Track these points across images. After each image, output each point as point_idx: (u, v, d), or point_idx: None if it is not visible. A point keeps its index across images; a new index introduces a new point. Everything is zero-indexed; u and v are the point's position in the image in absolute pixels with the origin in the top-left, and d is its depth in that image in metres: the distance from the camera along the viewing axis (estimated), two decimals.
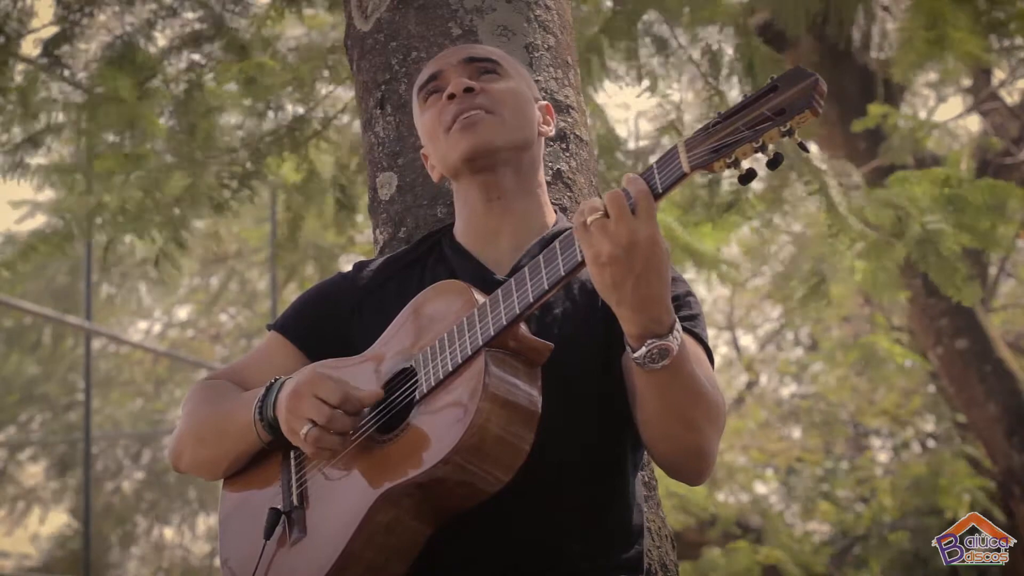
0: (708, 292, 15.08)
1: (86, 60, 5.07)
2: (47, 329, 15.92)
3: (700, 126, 1.87)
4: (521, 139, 2.30)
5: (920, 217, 4.65)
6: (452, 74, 2.32)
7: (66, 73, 4.91)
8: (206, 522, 17.99)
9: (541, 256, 2.00)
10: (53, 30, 4.96)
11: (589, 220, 1.88)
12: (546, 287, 1.98)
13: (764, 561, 10.43)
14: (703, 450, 2.08)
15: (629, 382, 2.12)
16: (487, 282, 2.18)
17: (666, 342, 1.92)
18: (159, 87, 5.01)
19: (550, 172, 2.78)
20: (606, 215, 1.87)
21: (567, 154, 2.87)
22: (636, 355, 1.94)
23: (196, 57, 5.10)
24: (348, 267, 2.49)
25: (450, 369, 2.04)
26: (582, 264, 1.94)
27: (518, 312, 1.99)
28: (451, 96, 2.29)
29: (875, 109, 7.03)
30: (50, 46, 4.94)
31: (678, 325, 1.95)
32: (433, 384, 2.06)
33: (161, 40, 5.10)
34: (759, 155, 1.82)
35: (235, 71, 4.97)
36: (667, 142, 5.37)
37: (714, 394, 2.06)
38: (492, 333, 2.01)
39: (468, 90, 2.28)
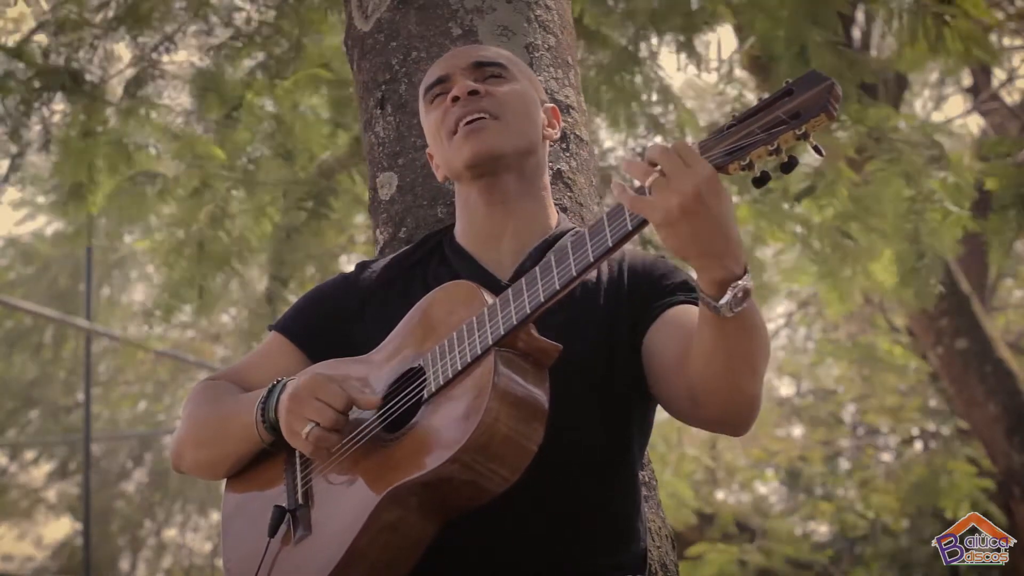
0: None
1: (171, 97, 5.15)
2: (48, 330, 15.92)
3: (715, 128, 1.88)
4: (525, 144, 2.30)
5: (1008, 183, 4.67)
6: (459, 77, 2.32)
7: (152, 115, 4.98)
8: (208, 521, 18.00)
9: (552, 256, 2.00)
10: (132, 71, 5.04)
11: (648, 183, 1.85)
12: (557, 287, 1.97)
13: (746, 559, 10.43)
14: (757, 397, 2.07)
15: (664, 347, 2.12)
16: (489, 285, 2.17)
17: (746, 283, 1.90)
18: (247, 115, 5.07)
19: (550, 172, 2.78)
20: (661, 173, 1.84)
21: (567, 154, 2.88)
22: (722, 302, 1.90)
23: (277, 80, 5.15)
24: (349, 267, 2.49)
25: (459, 368, 2.04)
26: (594, 264, 1.94)
27: (528, 312, 1.99)
28: (455, 99, 2.29)
29: (875, 111, 7.00)
30: (131, 87, 4.99)
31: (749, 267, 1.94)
32: (441, 383, 2.06)
33: (244, 64, 5.15)
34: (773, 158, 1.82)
35: (309, 79, 5.00)
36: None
37: (766, 330, 2.05)
38: (502, 332, 2.01)
39: (473, 93, 2.28)
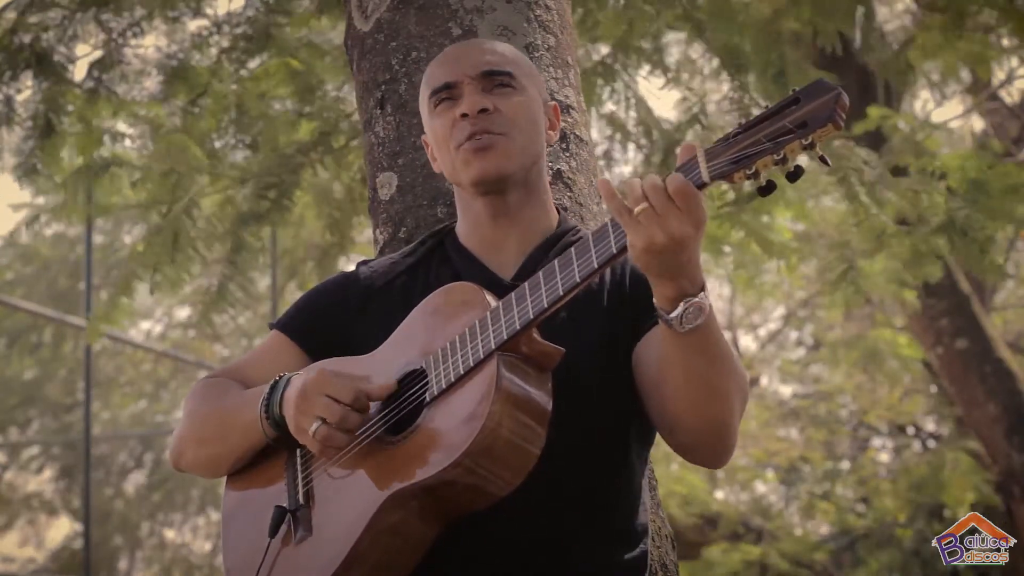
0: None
1: (138, 80, 5.14)
2: (48, 330, 15.91)
3: (721, 136, 1.87)
4: (530, 160, 2.30)
5: (945, 203, 4.75)
6: (467, 88, 2.28)
7: (113, 99, 4.98)
8: (208, 521, 18.00)
9: (556, 261, 2.00)
10: (99, 54, 5.03)
11: (637, 211, 1.86)
12: (561, 292, 1.98)
13: (755, 560, 10.43)
14: (727, 424, 2.06)
15: (648, 367, 2.13)
16: (494, 285, 2.18)
17: (700, 300, 1.92)
18: (212, 103, 5.07)
19: (550, 172, 2.78)
20: (651, 205, 1.85)
21: (567, 154, 2.88)
22: (672, 316, 1.92)
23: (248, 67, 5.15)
24: (349, 267, 2.49)
25: (462, 372, 2.04)
26: (598, 270, 1.95)
27: (532, 317, 1.99)
28: (464, 115, 2.26)
29: (874, 111, 7.01)
30: (96, 70, 4.99)
31: (707, 286, 1.95)
32: (444, 386, 2.06)
33: (212, 52, 5.15)
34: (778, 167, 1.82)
35: (278, 68, 5.00)
36: (691, 135, 5.39)
37: (739, 365, 2.06)
38: (505, 337, 2.01)
39: (483, 111, 2.25)
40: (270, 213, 5.28)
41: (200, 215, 5.28)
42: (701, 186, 1.85)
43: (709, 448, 2.10)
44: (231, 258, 5.41)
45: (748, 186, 1.85)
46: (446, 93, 2.30)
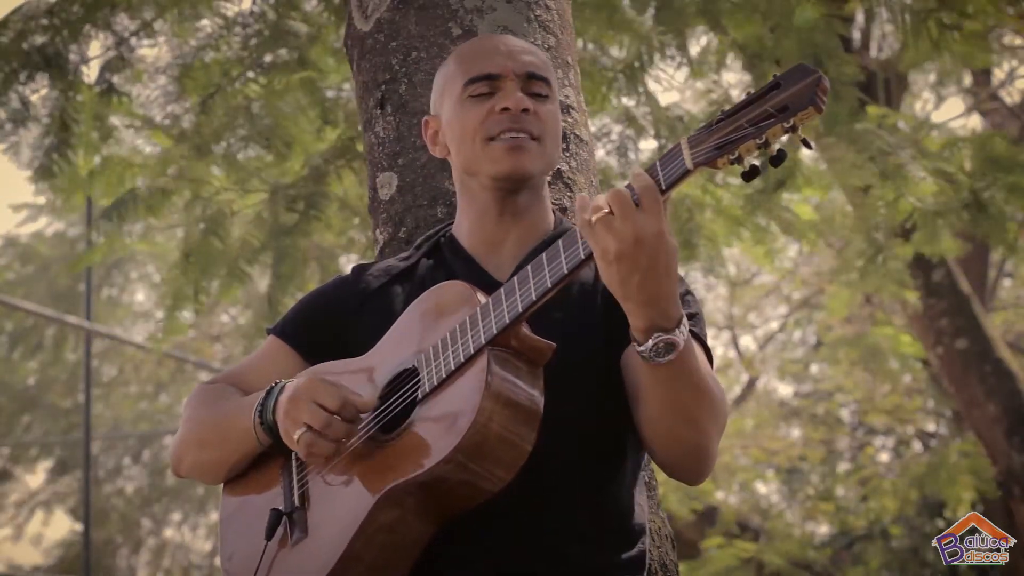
0: (708, 292, 15.10)
1: (152, 79, 5.15)
2: (48, 331, 15.91)
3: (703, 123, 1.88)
4: (550, 166, 2.31)
5: (971, 182, 4.79)
6: (510, 84, 2.27)
7: (124, 101, 5.00)
8: (207, 521, 18.01)
9: (544, 254, 2.00)
10: (110, 55, 5.05)
11: (594, 218, 1.87)
12: (549, 285, 1.97)
13: (750, 557, 10.44)
14: (704, 448, 2.07)
15: (630, 380, 2.13)
16: (489, 286, 2.17)
17: (672, 336, 1.92)
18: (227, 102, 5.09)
19: (550, 172, 2.78)
20: (611, 212, 1.87)
21: (567, 154, 2.88)
22: (642, 349, 1.93)
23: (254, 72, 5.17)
24: (348, 269, 2.50)
25: (452, 368, 2.05)
26: (585, 261, 1.94)
27: (520, 310, 1.99)
28: (505, 109, 2.25)
29: (873, 110, 7.01)
30: (107, 72, 5.00)
31: (685, 321, 1.95)
32: (435, 383, 2.07)
33: (225, 52, 5.16)
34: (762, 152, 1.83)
35: (295, 80, 5.02)
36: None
37: (716, 392, 2.07)
38: (494, 332, 2.01)
39: (524, 111, 2.25)
40: (300, 225, 5.30)
41: (233, 227, 5.32)
42: (685, 173, 1.85)
43: (686, 468, 2.13)
44: (275, 268, 5.44)
45: (756, 177, 1.85)
46: (487, 85, 2.28)
